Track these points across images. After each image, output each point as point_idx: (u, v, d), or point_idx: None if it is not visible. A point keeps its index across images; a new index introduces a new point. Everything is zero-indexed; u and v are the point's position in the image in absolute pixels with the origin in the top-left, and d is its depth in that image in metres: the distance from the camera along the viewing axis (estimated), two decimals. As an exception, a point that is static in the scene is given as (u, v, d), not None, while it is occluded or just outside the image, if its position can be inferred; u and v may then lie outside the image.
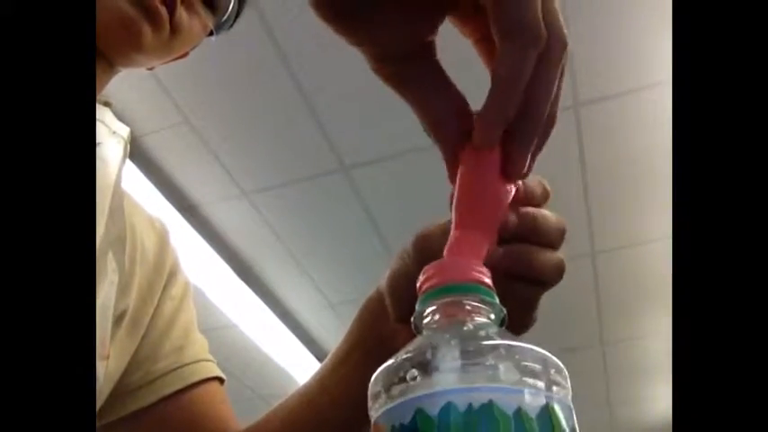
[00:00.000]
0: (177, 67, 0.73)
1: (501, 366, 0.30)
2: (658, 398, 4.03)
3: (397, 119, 2.25)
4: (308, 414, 0.53)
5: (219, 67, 2.06)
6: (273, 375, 3.42)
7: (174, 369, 0.64)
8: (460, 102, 0.40)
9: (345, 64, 2.06)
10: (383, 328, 0.47)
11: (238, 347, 3.22)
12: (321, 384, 0.53)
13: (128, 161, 0.62)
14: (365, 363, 0.45)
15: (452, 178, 0.41)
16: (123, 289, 0.62)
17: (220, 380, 0.68)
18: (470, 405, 0.28)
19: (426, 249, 0.43)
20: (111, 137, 0.57)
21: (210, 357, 0.69)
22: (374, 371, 0.45)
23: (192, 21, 0.63)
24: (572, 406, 0.31)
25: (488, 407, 0.28)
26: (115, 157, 0.57)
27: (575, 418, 0.31)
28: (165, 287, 0.69)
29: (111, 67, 0.63)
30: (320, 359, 3.44)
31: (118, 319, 0.61)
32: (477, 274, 0.37)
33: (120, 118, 0.67)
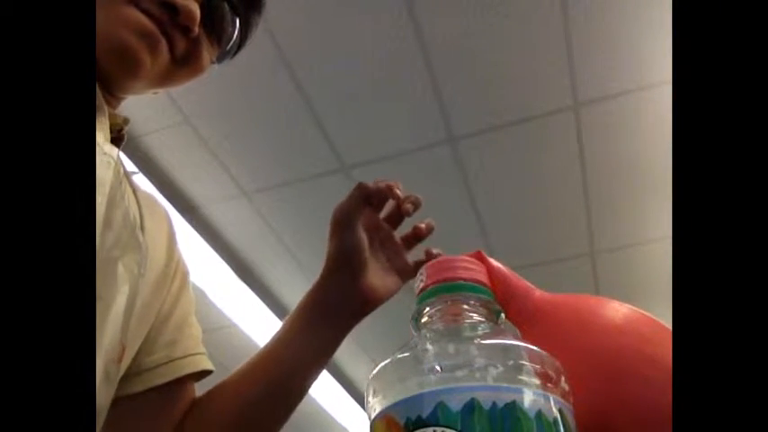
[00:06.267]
0: (177, 68, 0.73)
1: (525, 369, 0.30)
2: (658, 398, 4.03)
3: (397, 119, 2.25)
4: (266, 358, 0.67)
5: (219, 67, 2.05)
6: (273, 375, 3.42)
7: (164, 363, 0.68)
8: None
9: (345, 64, 2.06)
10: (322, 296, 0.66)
11: (238, 347, 3.22)
12: (273, 341, 0.68)
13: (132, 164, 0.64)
14: (308, 315, 0.66)
15: None
16: (133, 294, 0.63)
17: (209, 372, 0.72)
18: (494, 404, 0.28)
19: None
20: (101, 156, 0.58)
21: (201, 350, 0.72)
22: (313, 320, 0.67)
23: (198, 52, 0.64)
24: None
25: (512, 406, 0.28)
26: (106, 176, 0.58)
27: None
28: (171, 282, 0.72)
29: (112, 95, 0.65)
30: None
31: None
32: (474, 273, 0.37)
33: (120, 117, 0.67)
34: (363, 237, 0.66)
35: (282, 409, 0.67)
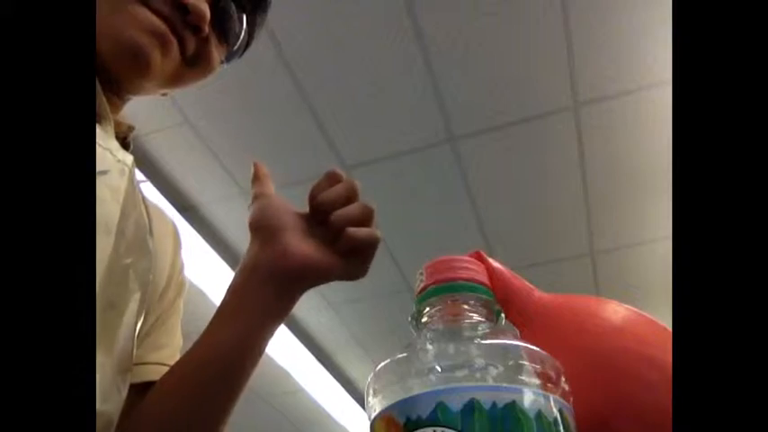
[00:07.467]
0: (177, 68, 0.73)
1: (525, 369, 0.30)
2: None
3: (397, 119, 2.25)
4: (204, 342, 0.61)
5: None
6: (273, 375, 3.42)
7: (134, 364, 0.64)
8: None
9: (345, 64, 2.06)
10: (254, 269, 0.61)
11: (238, 347, 3.21)
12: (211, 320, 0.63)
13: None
14: (242, 280, 0.61)
15: None
16: (144, 300, 0.63)
17: None
18: (494, 404, 0.28)
19: None
20: (116, 164, 0.58)
21: (171, 364, 0.68)
22: (248, 284, 0.62)
23: (208, 51, 0.65)
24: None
25: (512, 407, 0.28)
26: (121, 183, 0.58)
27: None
28: (169, 291, 0.71)
29: (122, 96, 0.65)
30: (320, 359, 3.44)
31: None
32: (474, 273, 0.37)
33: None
34: (276, 200, 0.65)
35: (222, 376, 0.60)
